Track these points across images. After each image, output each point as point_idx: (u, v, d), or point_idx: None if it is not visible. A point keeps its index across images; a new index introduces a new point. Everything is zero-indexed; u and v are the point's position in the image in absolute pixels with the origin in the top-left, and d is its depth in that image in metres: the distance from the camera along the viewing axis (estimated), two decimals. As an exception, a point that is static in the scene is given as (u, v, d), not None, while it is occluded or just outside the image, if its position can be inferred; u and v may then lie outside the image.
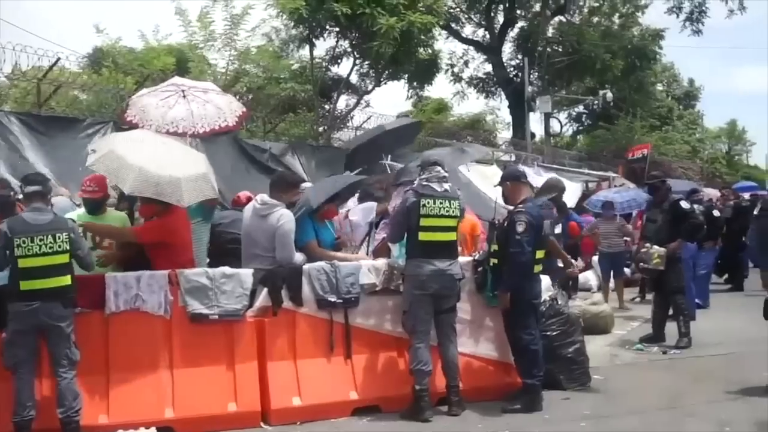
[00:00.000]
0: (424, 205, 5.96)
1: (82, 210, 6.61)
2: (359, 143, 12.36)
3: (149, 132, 6.88)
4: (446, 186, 6.09)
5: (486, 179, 15.79)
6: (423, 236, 5.97)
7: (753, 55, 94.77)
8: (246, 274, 5.90)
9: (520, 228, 6.10)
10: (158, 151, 6.23)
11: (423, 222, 5.96)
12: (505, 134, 29.65)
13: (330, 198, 6.82)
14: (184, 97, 7.09)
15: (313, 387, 5.94)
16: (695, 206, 10.99)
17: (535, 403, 6.15)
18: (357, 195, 7.74)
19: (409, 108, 28.75)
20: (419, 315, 5.98)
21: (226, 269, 5.91)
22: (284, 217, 6.09)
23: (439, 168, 6.13)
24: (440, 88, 39.70)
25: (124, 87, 12.80)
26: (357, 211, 7.57)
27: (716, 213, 11.54)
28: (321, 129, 17.05)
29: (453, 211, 6.04)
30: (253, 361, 5.86)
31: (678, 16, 27.86)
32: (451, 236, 6.07)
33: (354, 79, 18.50)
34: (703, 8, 27.43)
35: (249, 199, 7.07)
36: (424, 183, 6.07)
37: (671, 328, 9.00)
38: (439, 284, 5.97)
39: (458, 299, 6.21)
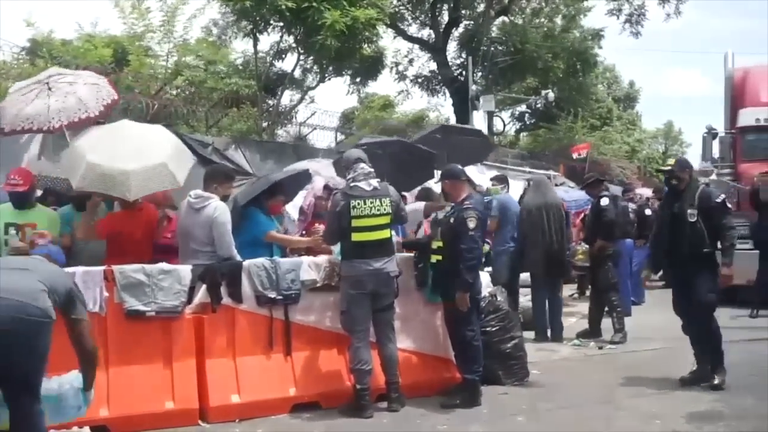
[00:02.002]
0: (354, 207, 5.95)
1: (7, 204, 6.41)
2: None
3: (128, 122, 6.93)
4: (374, 183, 6.06)
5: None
6: (356, 237, 5.97)
7: (689, 58, 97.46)
8: (184, 270, 5.81)
9: (471, 224, 6.14)
10: (117, 143, 6.22)
11: (355, 223, 5.95)
12: (449, 132, 29.86)
13: (270, 193, 6.74)
14: (50, 89, 6.72)
15: (252, 384, 5.90)
16: (629, 205, 11.30)
17: (474, 398, 6.22)
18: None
19: (355, 104, 28.82)
20: (357, 314, 5.99)
21: (164, 265, 5.81)
22: (219, 209, 6.03)
23: (363, 165, 6.11)
24: (385, 85, 39.99)
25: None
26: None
27: (648, 212, 11.85)
28: (265, 124, 16.93)
29: (384, 209, 6.02)
30: (191, 359, 5.78)
31: (618, 18, 28.46)
32: (384, 234, 6.05)
33: (298, 74, 18.45)
34: (642, 11, 28.06)
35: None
36: (352, 183, 6.05)
37: (608, 324, 9.24)
38: (375, 283, 5.98)
39: (396, 296, 6.21)
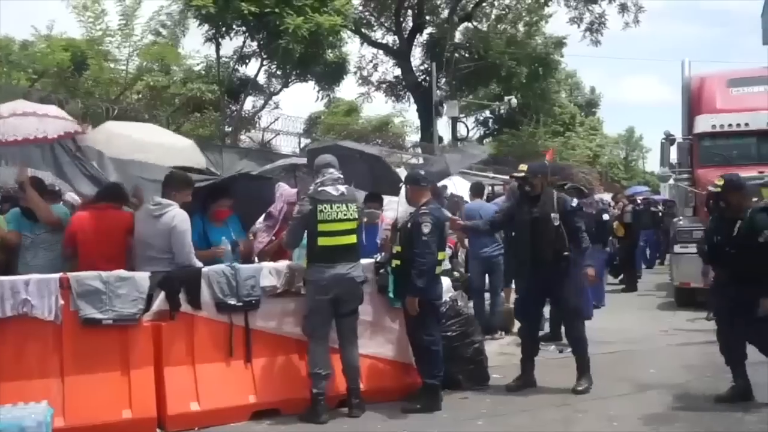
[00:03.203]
0: (321, 211, 5.95)
1: None
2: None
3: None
4: (342, 189, 6.07)
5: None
6: (322, 241, 5.96)
7: (649, 66, 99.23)
8: (142, 277, 5.75)
9: (425, 229, 6.17)
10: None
11: (321, 227, 5.95)
12: (413, 137, 30.04)
13: (213, 197, 6.69)
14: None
15: (211, 391, 5.85)
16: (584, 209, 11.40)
17: (435, 402, 6.25)
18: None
19: (321, 109, 28.78)
20: (318, 319, 5.98)
21: (122, 272, 5.74)
22: (178, 217, 5.98)
23: (332, 170, 6.11)
24: (351, 90, 40.03)
25: (17, 83, 12.28)
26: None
27: (605, 217, 12.01)
28: (228, 129, 16.82)
29: (351, 214, 6.04)
30: (149, 367, 5.71)
31: (579, 26, 28.89)
32: (351, 239, 6.06)
33: (263, 80, 18.38)
34: (603, 20, 28.53)
35: None
36: (320, 188, 6.05)
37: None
38: (340, 288, 5.97)
39: (360, 302, 6.21)
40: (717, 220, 6.48)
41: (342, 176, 6.15)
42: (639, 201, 17.54)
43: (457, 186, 13.75)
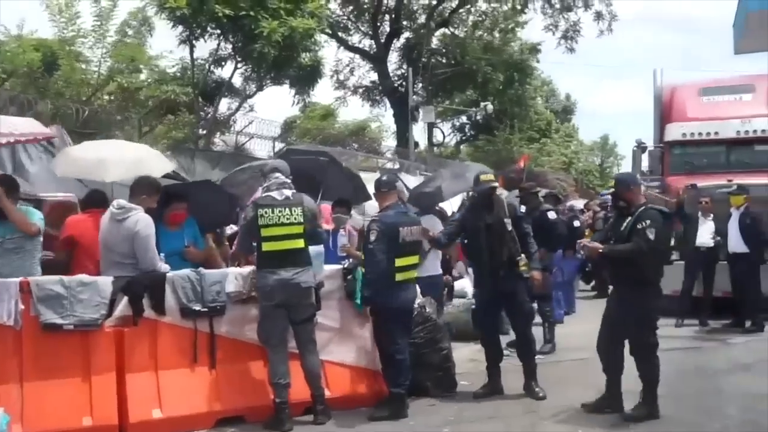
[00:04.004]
0: (261, 216, 5.88)
1: None
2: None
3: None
4: (287, 193, 5.99)
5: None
6: (266, 246, 5.91)
7: (624, 74, 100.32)
8: (104, 282, 5.67)
9: (371, 237, 6.18)
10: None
11: (264, 232, 5.89)
12: (390, 142, 30.08)
13: (167, 203, 6.62)
14: None
15: (174, 398, 5.78)
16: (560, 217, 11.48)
17: (401, 410, 6.22)
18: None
19: (296, 114, 28.69)
20: (270, 327, 5.92)
21: (84, 277, 5.67)
22: (142, 221, 5.89)
23: (278, 174, 6.05)
24: (327, 94, 40.05)
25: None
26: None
27: (576, 223, 12.10)
28: (202, 132, 16.72)
29: (296, 218, 5.93)
30: (110, 373, 5.63)
31: (554, 33, 29.12)
32: (297, 244, 5.94)
33: (238, 82, 18.29)
34: (577, 28, 28.80)
35: None
36: (265, 193, 6.00)
37: (538, 334, 9.32)
38: (285, 294, 5.86)
39: (314, 309, 6.11)
40: (615, 218, 6.53)
41: (288, 181, 6.07)
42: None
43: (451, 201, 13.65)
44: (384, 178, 6.69)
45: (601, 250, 6.19)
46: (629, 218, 6.11)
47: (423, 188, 9.38)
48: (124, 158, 7.43)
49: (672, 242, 11.51)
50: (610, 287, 15.08)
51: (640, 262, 6.00)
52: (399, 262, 6.24)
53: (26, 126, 7.42)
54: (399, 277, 6.26)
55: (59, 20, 14.10)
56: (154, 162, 7.55)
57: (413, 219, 6.49)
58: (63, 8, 14.03)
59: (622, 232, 6.13)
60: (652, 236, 5.94)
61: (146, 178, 6.37)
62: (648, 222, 5.98)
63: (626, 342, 6.34)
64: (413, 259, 6.45)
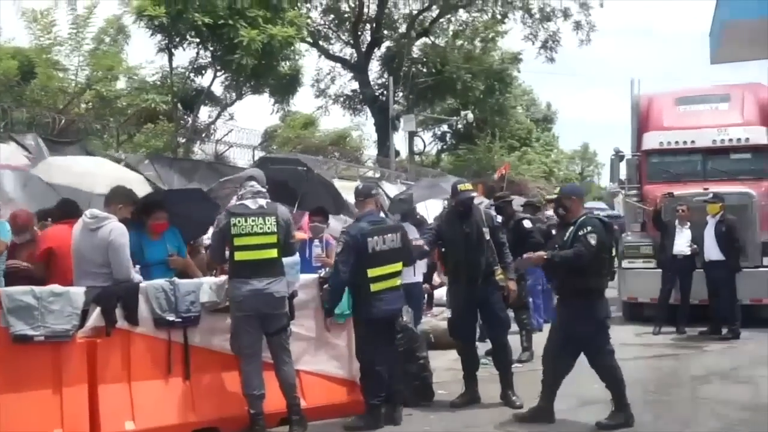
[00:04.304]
0: (234, 225, 5.83)
1: None
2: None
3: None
4: (262, 202, 5.93)
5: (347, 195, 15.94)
6: (238, 256, 5.85)
7: (603, 83, 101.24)
8: (76, 292, 5.58)
9: (338, 249, 6.21)
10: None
11: (237, 241, 5.83)
12: (371, 151, 30.10)
13: (147, 212, 6.58)
14: None
15: (148, 410, 5.69)
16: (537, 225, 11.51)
17: (376, 422, 6.18)
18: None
19: (277, 122, 28.66)
20: (243, 337, 5.85)
21: (56, 287, 5.59)
22: (116, 231, 5.81)
23: (253, 183, 6.01)
24: (307, 103, 40.01)
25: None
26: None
27: (554, 232, 12.11)
28: (182, 140, 16.63)
29: (269, 228, 5.86)
30: (82, 384, 5.53)
31: (534, 43, 29.33)
32: (269, 254, 5.87)
33: (219, 91, 18.23)
34: (557, 38, 29.02)
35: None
36: (239, 201, 5.95)
37: (516, 342, 9.33)
38: (258, 304, 5.79)
39: (288, 319, 6.04)
40: (557, 230, 6.59)
41: (264, 190, 6.02)
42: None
43: (428, 207, 13.65)
44: (360, 186, 6.67)
45: (545, 257, 6.23)
46: (571, 228, 6.19)
47: (399, 196, 9.42)
48: (109, 173, 7.94)
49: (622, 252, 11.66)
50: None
51: (584, 271, 6.05)
52: (372, 272, 6.16)
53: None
54: (374, 287, 6.19)
55: (36, 28, 13.98)
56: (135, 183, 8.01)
57: (389, 227, 6.40)
58: (39, 17, 13.92)
59: (565, 241, 6.19)
60: (593, 242, 6.01)
61: (121, 187, 6.32)
62: (589, 229, 6.06)
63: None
64: (390, 268, 6.31)
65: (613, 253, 6.60)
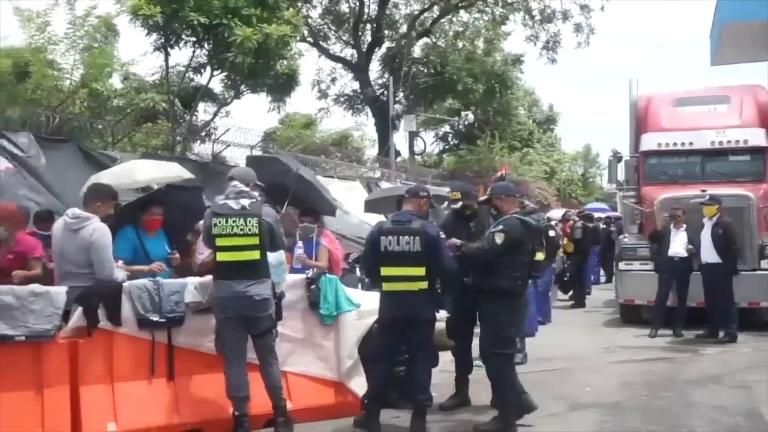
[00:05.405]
0: (215, 225, 5.74)
1: None
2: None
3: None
4: (244, 202, 5.81)
5: (348, 195, 15.90)
6: (220, 257, 5.76)
7: (605, 84, 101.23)
8: (58, 292, 5.51)
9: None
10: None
11: (218, 242, 5.75)
12: (372, 151, 30.03)
13: (143, 208, 6.54)
14: None
15: (131, 411, 5.62)
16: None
17: (369, 421, 6.13)
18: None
19: (276, 124, 28.61)
20: (226, 339, 5.76)
21: (36, 287, 5.52)
22: (98, 231, 5.73)
23: (235, 183, 5.91)
24: (306, 103, 39.99)
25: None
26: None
27: (551, 233, 12.05)
28: (179, 139, 16.57)
29: (251, 229, 5.74)
30: (64, 385, 5.45)
31: (535, 44, 29.26)
32: (251, 255, 5.75)
33: (219, 90, 18.16)
34: (558, 39, 28.96)
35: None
36: (222, 202, 5.86)
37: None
38: (238, 306, 5.69)
39: (272, 321, 5.92)
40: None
41: (247, 189, 5.91)
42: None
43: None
44: (412, 185, 6.65)
45: (458, 245, 6.27)
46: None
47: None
48: (146, 165, 9.12)
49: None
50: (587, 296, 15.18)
51: (492, 270, 6.08)
52: (383, 271, 6.11)
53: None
54: (385, 286, 6.14)
55: (30, 27, 13.94)
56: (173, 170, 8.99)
57: (407, 229, 6.12)
58: (33, 17, 13.88)
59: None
60: (499, 240, 6.03)
61: (99, 184, 6.26)
62: (500, 228, 6.09)
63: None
64: (400, 270, 6.08)
65: (539, 256, 6.57)
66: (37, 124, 11.77)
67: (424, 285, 6.07)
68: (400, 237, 6.11)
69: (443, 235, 6.16)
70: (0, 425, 5.20)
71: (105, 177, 8.17)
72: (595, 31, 28.81)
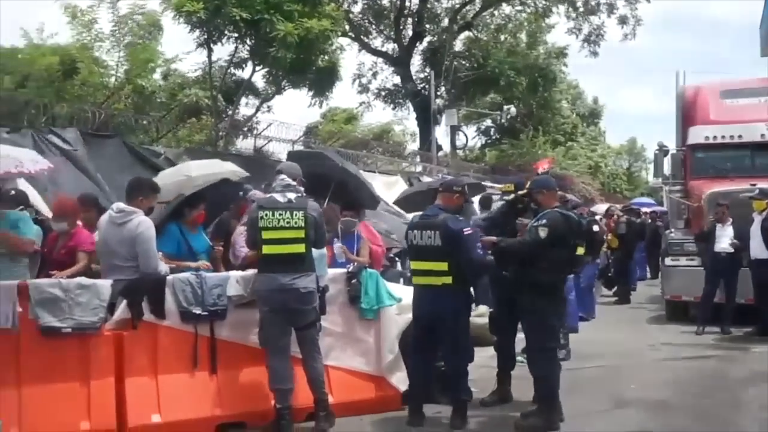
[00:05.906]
0: (262, 218, 5.78)
1: None
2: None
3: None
4: (291, 196, 5.85)
5: (390, 191, 15.88)
6: (266, 249, 5.79)
7: (651, 77, 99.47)
8: (103, 285, 5.60)
9: None
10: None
11: (264, 235, 5.78)
12: (413, 146, 29.95)
13: (190, 204, 6.61)
14: None
15: (174, 403, 5.69)
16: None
17: (410, 416, 6.18)
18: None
19: (318, 119, 28.73)
20: (270, 331, 5.79)
21: (83, 279, 5.62)
22: (143, 224, 5.81)
23: (283, 176, 5.95)
24: (346, 98, 40.04)
25: (0, 86, 12.24)
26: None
27: (596, 228, 11.86)
28: (222, 134, 16.74)
29: (296, 222, 5.77)
30: (109, 377, 5.55)
31: (577, 37, 28.81)
32: (297, 248, 5.78)
33: (261, 84, 18.31)
34: (601, 31, 28.46)
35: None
36: (269, 194, 5.91)
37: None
38: (283, 299, 5.72)
39: (317, 314, 5.94)
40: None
41: (294, 183, 5.95)
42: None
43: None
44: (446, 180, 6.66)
45: (495, 242, 6.17)
46: None
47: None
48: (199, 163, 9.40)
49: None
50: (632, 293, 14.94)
51: (534, 263, 5.97)
52: (412, 265, 6.20)
53: (26, 158, 7.72)
54: (414, 280, 6.23)
55: (77, 24, 14.20)
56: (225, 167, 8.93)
57: (429, 223, 6.15)
58: (78, 14, 14.12)
59: None
60: (543, 234, 5.91)
61: (141, 179, 6.35)
62: (543, 221, 5.98)
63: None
64: (426, 265, 6.13)
65: (580, 251, 6.46)
66: (83, 120, 11.97)
67: (447, 280, 6.04)
68: (423, 231, 6.15)
69: (468, 231, 6.06)
70: (47, 416, 5.31)
71: (164, 177, 8.31)
72: (642, 22, 28.26)
